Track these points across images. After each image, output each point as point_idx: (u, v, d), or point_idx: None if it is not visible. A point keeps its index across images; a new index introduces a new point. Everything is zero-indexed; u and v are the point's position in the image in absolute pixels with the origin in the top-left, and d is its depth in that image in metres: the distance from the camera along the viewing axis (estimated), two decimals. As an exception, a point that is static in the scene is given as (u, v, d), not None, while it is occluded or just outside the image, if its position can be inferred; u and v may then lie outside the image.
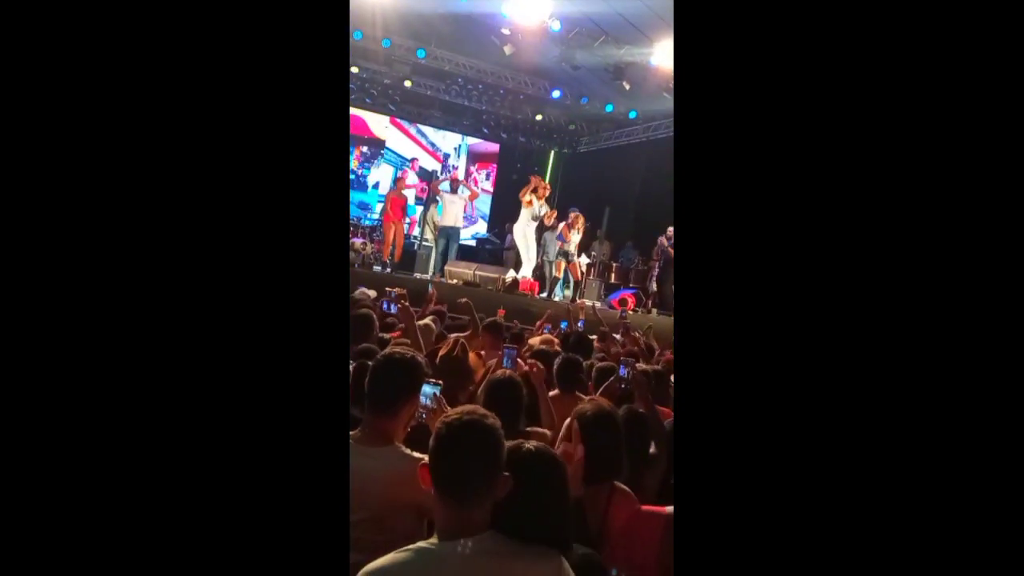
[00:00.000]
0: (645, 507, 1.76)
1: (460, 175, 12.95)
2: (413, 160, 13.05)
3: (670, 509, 1.70)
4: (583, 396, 3.02)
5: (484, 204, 14.26)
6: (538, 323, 5.38)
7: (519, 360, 2.91)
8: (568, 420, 2.37)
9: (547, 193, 9.91)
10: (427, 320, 4.17)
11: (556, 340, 4.25)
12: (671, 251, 10.59)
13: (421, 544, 1.23)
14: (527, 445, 1.47)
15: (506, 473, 1.27)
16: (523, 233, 9.64)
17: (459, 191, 9.70)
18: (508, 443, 1.45)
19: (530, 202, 9.45)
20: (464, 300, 4.42)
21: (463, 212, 9.88)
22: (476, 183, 12.40)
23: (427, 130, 13.81)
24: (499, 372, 2.51)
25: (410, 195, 10.49)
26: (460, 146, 14.18)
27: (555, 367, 3.12)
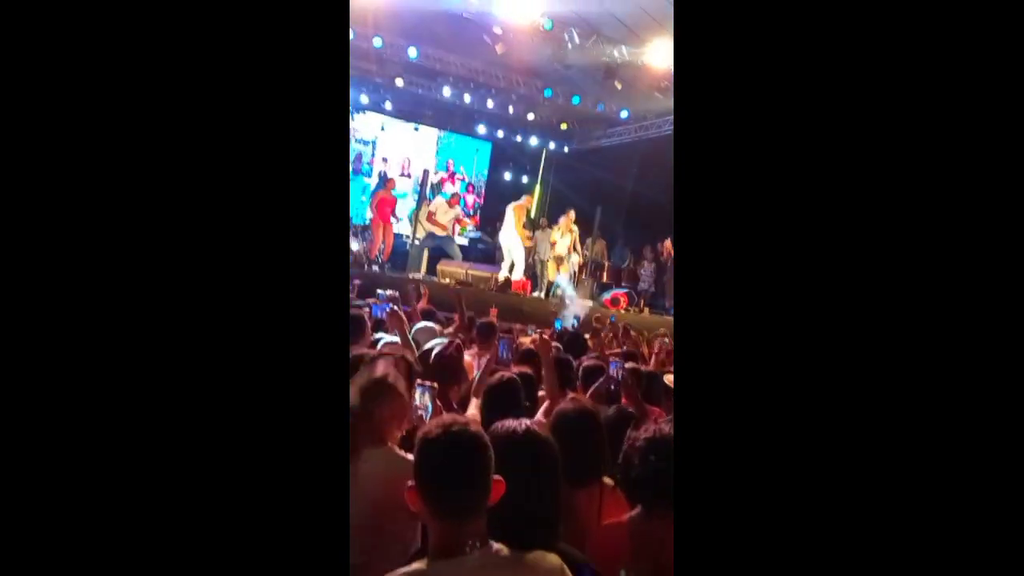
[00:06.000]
0: (605, 522, 1.70)
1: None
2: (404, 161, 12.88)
3: (631, 514, 1.65)
4: (575, 395, 3.03)
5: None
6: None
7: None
8: (546, 403, 2.41)
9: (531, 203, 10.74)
10: (431, 323, 4.17)
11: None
12: None
13: (416, 566, 1.18)
14: (511, 428, 1.40)
15: (497, 477, 1.21)
16: (508, 237, 10.03)
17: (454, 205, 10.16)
18: (491, 428, 1.39)
19: (520, 206, 10.03)
20: (455, 291, 4.43)
21: (453, 222, 10.27)
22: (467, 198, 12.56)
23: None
24: (496, 376, 2.48)
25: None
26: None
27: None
